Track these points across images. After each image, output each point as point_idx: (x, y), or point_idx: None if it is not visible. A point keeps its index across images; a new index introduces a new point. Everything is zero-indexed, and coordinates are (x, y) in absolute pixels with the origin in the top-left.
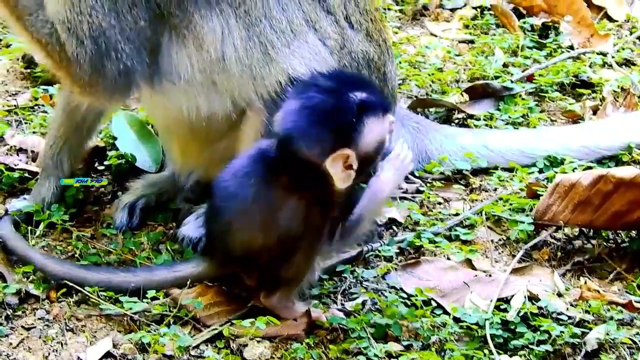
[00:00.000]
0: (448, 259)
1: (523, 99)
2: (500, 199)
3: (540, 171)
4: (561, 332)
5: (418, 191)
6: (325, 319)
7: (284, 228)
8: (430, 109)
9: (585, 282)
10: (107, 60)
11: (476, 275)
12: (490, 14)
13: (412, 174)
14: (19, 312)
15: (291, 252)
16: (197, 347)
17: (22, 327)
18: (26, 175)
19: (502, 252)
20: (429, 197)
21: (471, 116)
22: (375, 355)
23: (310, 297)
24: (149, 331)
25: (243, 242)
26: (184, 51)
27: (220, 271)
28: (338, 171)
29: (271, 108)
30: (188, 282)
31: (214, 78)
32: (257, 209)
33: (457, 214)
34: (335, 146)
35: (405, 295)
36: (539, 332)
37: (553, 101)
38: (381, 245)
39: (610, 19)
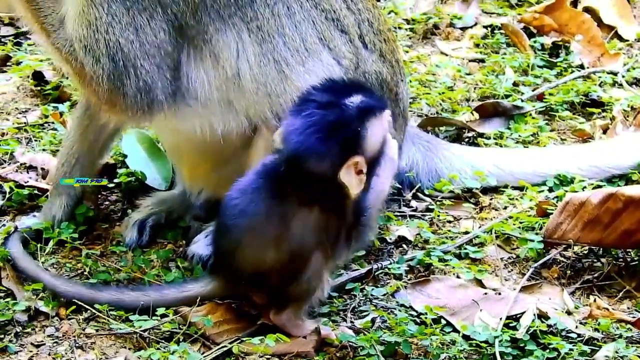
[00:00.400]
0: (458, 277)
1: (533, 117)
2: (510, 217)
3: (550, 190)
4: (570, 350)
5: (428, 209)
6: (334, 336)
7: (293, 245)
8: (441, 128)
9: (595, 300)
10: (126, 78)
11: (486, 294)
12: (501, 33)
13: (422, 192)
14: (29, 329)
15: (301, 268)
16: None
17: (32, 344)
18: (36, 192)
19: (512, 270)
20: (438, 216)
21: (481, 135)
22: None
23: (319, 314)
24: (158, 348)
25: (252, 260)
26: (201, 68)
27: (229, 290)
28: (352, 179)
29: None
30: (197, 300)
31: (229, 96)
32: (266, 226)
33: (466, 232)
34: (345, 156)
35: (414, 313)
36: (548, 350)
37: (563, 120)
38: (391, 264)
39: (621, 39)
